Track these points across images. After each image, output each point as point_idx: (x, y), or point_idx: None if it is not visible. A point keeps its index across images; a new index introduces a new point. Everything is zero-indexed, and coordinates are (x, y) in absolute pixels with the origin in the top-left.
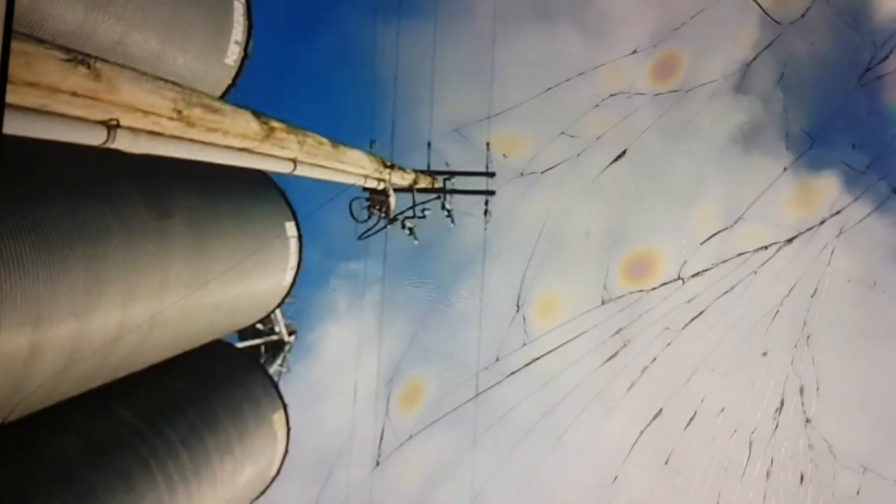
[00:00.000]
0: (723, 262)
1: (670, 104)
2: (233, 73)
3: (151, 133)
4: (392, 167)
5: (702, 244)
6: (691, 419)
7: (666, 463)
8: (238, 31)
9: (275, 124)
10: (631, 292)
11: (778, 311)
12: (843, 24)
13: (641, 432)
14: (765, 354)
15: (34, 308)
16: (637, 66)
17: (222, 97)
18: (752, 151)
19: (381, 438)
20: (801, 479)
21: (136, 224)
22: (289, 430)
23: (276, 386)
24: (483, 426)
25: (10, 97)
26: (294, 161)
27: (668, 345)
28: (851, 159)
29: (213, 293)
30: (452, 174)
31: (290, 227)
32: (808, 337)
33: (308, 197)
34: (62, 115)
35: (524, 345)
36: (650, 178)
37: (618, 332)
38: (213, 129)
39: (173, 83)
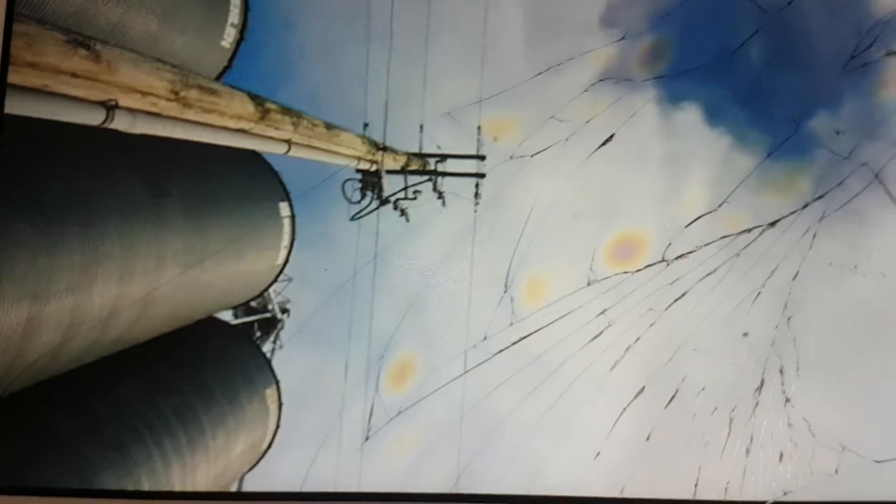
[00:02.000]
0: (706, 245)
1: (657, 89)
2: (229, 55)
3: (149, 113)
4: (384, 149)
5: (686, 227)
6: (673, 397)
7: (647, 439)
8: (234, 14)
9: (270, 106)
10: (616, 274)
11: (759, 293)
12: (828, 11)
13: (624, 410)
14: (746, 335)
15: (32, 283)
16: (625, 52)
17: (218, 78)
18: (736, 136)
19: (371, 414)
20: (781, 456)
21: (133, 202)
22: (281, 405)
23: (268, 362)
24: (470, 403)
25: (12, 77)
26: (289, 142)
27: (652, 325)
28: (835, 145)
29: (208, 271)
30: (444, 157)
31: (284, 208)
32: (788, 318)
33: (303, 178)
34: (62, 96)
35: (511, 324)
36: (637, 162)
37: (602, 312)
38: (209, 110)
39: (171, 65)
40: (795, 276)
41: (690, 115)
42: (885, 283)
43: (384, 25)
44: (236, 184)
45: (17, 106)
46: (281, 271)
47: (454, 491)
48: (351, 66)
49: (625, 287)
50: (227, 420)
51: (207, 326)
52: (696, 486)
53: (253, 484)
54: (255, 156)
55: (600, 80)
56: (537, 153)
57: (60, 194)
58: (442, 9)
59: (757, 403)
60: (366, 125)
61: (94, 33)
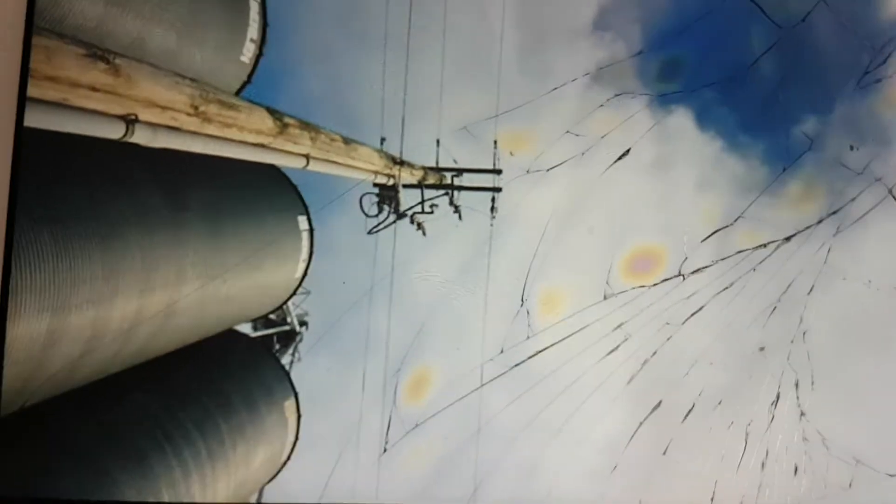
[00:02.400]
0: (723, 260)
1: (674, 104)
2: (248, 70)
3: (169, 128)
4: (401, 164)
5: (702, 242)
6: (689, 411)
7: (664, 453)
8: (253, 30)
9: (288, 120)
10: (633, 288)
11: (775, 308)
12: (842, 27)
13: (641, 423)
14: (762, 349)
15: (53, 296)
16: (642, 68)
17: (238, 93)
18: (752, 152)
19: (388, 426)
20: (795, 470)
21: (154, 216)
22: (299, 416)
23: (287, 374)
24: (487, 416)
25: (31, 91)
26: (307, 156)
27: (669, 339)
28: (849, 160)
29: (228, 284)
30: (460, 171)
31: (303, 221)
32: (804, 333)
33: (321, 192)
34: (82, 109)
35: (528, 338)
36: (653, 177)
37: (619, 326)
38: (229, 124)
39: (191, 79)
40: (811, 291)
41: (706, 131)
42: None
43: (400, 42)
44: (255, 198)
45: (36, 119)
46: (300, 284)
47: (471, 503)
48: (368, 82)
49: (641, 301)
50: (247, 432)
51: (227, 339)
52: (712, 499)
53: (272, 495)
54: (273, 170)
55: (616, 95)
56: (553, 167)
57: (82, 208)
58: (457, 23)
59: (773, 417)
60: (383, 140)
61: (113, 47)
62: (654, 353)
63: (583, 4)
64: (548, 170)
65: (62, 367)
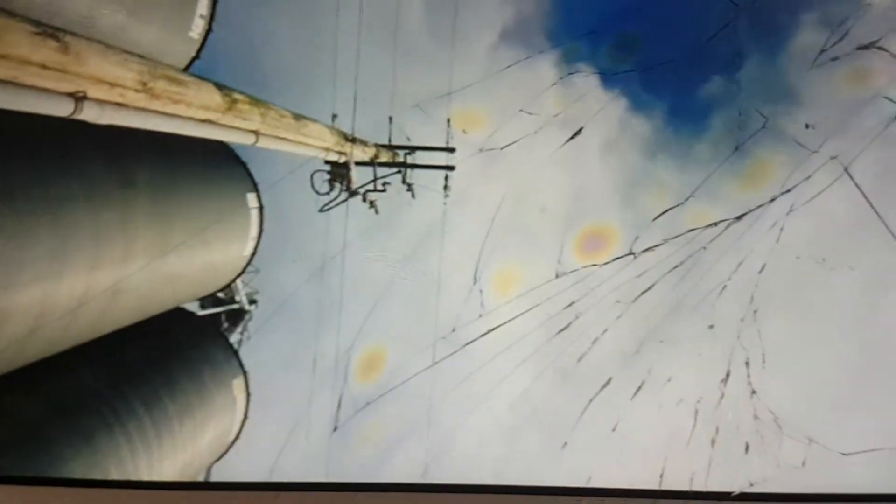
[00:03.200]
0: (673, 238)
1: (626, 83)
2: (197, 46)
3: (117, 104)
4: (354, 141)
5: (653, 221)
6: (639, 388)
7: (613, 430)
8: (203, 5)
9: (237, 96)
10: (584, 266)
11: (725, 286)
12: (798, 5)
13: (590, 400)
14: (711, 327)
15: (2, 274)
16: (595, 46)
17: (187, 69)
18: (705, 129)
19: (339, 405)
20: (747, 448)
21: (101, 193)
22: (248, 395)
23: (236, 353)
24: (440, 394)
25: None
26: (256, 133)
27: (619, 317)
28: (804, 139)
29: (176, 262)
30: (413, 149)
31: (252, 199)
32: (755, 311)
33: (271, 169)
34: (31, 87)
35: (480, 316)
36: (605, 155)
37: (570, 304)
38: (177, 100)
39: (139, 56)
40: (762, 270)
41: (655, 109)
42: (853, 277)
43: (354, 16)
44: (204, 175)
45: None
46: (249, 262)
47: (422, 481)
48: (319, 57)
49: (593, 280)
50: (195, 409)
51: (174, 317)
52: (661, 476)
53: (220, 474)
54: (222, 147)
55: (569, 74)
56: (507, 146)
57: (29, 185)
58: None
59: (722, 395)
60: (334, 116)
61: (63, 25)
62: (605, 331)
63: None
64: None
65: (10, 345)
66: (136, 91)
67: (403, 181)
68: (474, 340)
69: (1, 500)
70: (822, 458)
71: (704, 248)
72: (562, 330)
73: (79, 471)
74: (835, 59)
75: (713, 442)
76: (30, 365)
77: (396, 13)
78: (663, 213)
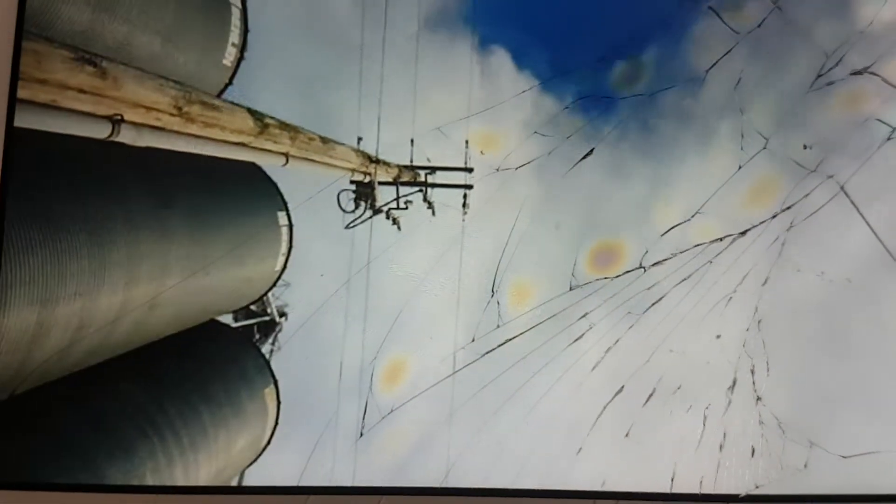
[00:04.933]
0: (681, 253)
1: (635, 107)
2: (230, 73)
3: (153, 128)
4: (377, 162)
5: (662, 236)
6: (650, 396)
7: (626, 436)
8: (235, 35)
9: (268, 121)
10: (597, 279)
11: (731, 298)
12: (796, 33)
13: (604, 407)
14: (718, 337)
15: (42, 288)
16: (604, 71)
17: (220, 95)
18: (709, 151)
19: (365, 412)
20: (752, 452)
21: (138, 213)
22: (279, 403)
23: (267, 363)
24: (460, 401)
25: (21, 93)
26: (286, 155)
27: (630, 328)
28: (803, 158)
29: (210, 277)
30: (433, 169)
31: (282, 217)
32: (759, 321)
33: (300, 189)
34: (70, 111)
35: (498, 327)
36: (615, 176)
37: (584, 316)
38: (211, 124)
39: (174, 81)
40: (765, 282)
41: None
42: (851, 289)
43: (377, 47)
44: (236, 195)
45: (26, 120)
46: (279, 277)
47: (443, 485)
48: (345, 84)
49: (605, 292)
50: (228, 418)
51: (209, 330)
52: (672, 480)
53: (253, 479)
54: (254, 168)
55: (581, 98)
56: (521, 166)
57: (69, 204)
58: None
59: (729, 402)
60: (359, 139)
61: (100, 51)
62: (617, 341)
63: None
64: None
65: (50, 357)
66: (172, 115)
67: (424, 199)
68: (493, 350)
69: None
70: (823, 461)
71: (710, 262)
72: (576, 340)
73: (115, 478)
74: (830, 83)
75: (721, 447)
76: (68, 376)
77: (416, 45)
78: (671, 228)
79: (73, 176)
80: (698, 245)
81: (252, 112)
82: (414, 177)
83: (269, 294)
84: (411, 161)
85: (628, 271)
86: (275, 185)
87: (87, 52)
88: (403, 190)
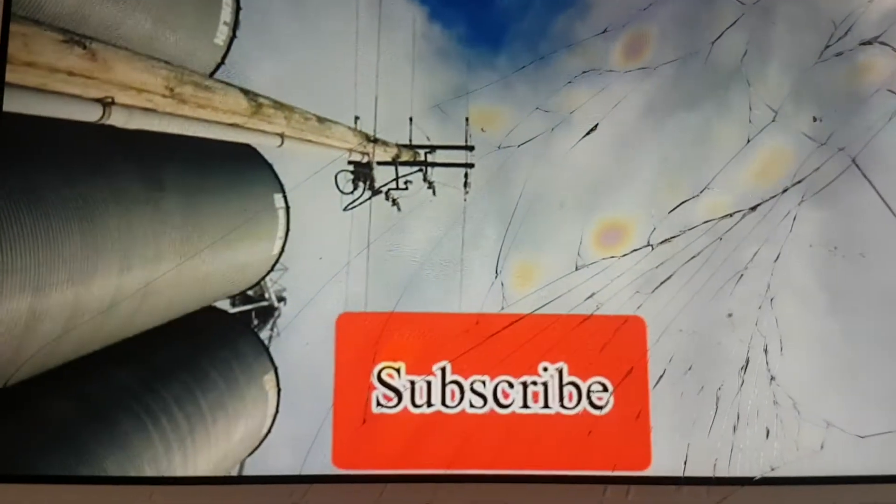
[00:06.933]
0: (690, 230)
1: (639, 80)
2: (222, 53)
3: (145, 109)
4: (375, 141)
5: (670, 213)
6: (660, 377)
7: (637, 418)
8: (226, 13)
9: (262, 100)
10: (603, 258)
11: (742, 275)
12: (803, 3)
13: (614, 390)
14: (730, 316)
15: (34, 276)
16: (607, 45)
17: (212, 75)
18: (717, 125)
19: (368, 398)
20: (767, 433)
21: (132, 196)
22: (279, 390)
23: (266, 349)
24: (466, 387)
25: (10, 76)
26: (281, 136)
27: (639, 307)
28: (812, 131)
29: (206, 262)
30: (433, 148)
31: (279, 199)
32: (771, 299)
33: (296, 170)
34: (59, 94)
35: (502, 309)
36: (621, 152)
37: (591, 296)
38: (203, 105)
39: (166, 62)
40: (777, 258)
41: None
42: (864, 263)
43: (372, 22)
44: (231, 177)
45: (15, 104)
46: (277, 261)
47: (451, 471)
48: (341, 61)
49: (612, 271)
50: (227, 406)
51: (206, 316)
52: (685, 462)
53: (253, 468)
54: (249, 149)
55: (583, 73)
56: (523, 143)
57: (60, 188)
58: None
59: (742, 382)
60: (357, 118)
61: (89, 32)
62: (626, 321)
63: None
64: None
65: (44, 346)
66: (164, 96)
67: (424, 179)
68: (497, 333)
69: (35, 501)
70: (840, 441)
71: (720, 238)
72: (582, 322)
73: (112, 469)
74: (839, 54)
75: (735, 428)
76: (63, 365)
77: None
78: (679, 205)
79: (64, 160)
80: (707, 221)
81: (245, 92)
82: (413, 156)
83: (267, 279)
84: (410, 140)
85: (636, 250)
86: (270, 166)
87: (75, 34)
88: (403, 170)
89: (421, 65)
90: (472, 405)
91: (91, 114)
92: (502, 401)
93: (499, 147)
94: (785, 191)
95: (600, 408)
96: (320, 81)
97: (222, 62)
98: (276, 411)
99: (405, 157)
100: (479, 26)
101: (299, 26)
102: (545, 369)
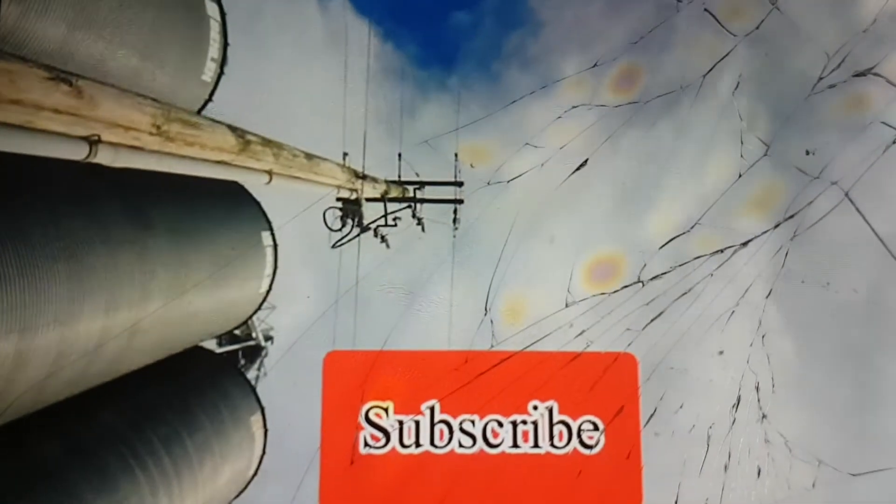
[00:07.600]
0: (681, 266)
1: (630, 115)
2: (209, 89)
3: (132, 147)
4: (364, 178)
5: (660, 248)
6: (651, 416)
7: (628, 458)
8: (214, 49)
9: (251, 137)
10: (593, 295)
11: (734, 312)
12: (795, 35)
13: (604, 428)
14: (721, 353)
15: (19, 317)
16: (597, 79)
17: (199, 112)
18: (708, 159)
19: (356, 439)
20: (759, 472)
21: (118, 235)
22: (266, 431)
23: (253, 389)
24: (455, 425)
25: None
26: (269, 173)
27: (630, 344)
28: (805, 165)
29: (193, 301)
30: (422, 184)
31: (266, 237)
32: (763, 336)
33: (284, 208)
34: (45, 132)
35: (492, 346)
36: (611, 186)
37: (581, 333)
38: (191, 143)
39: (153, 99)
40: (769, 295)
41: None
42: (857, 299)
43: (361, 56)
44: (219, 215)
45: (0, 142)
46: (264, 300)
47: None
48: (329, 98)
49: (602, 308)
50: (213, 447)
51: (193, 356)
52: (676, 501)
53: None
54: (237, 187)
55: (573, 107)
56: (513, 179)
57: (46, 228)
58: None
59: (734, 420)
60: (345, 155)
61: (76, 69)
62: (616, 359)
63: None
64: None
65: (30, 387)
66: (151, 134)
67: (413, 216)
68: (487, 371)
69: None
70: (832, 480)
71: (711, 274)
72: (573, 359)
73: None
74: (832, 86)
75: (726, 467)
76: (49, 407)
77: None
78: (670, 240)
79: (49, 200)
80: (699, 257)
81: (233, 129)
82: (402, 192)
83: (255, 317)
84: (399, 176)
85: (626, 286)
86: (258, 204)
87: (62, 71)
88: (392, 206)
89: (409, 104)
90: (461, 445)
91: (77, 152)
92: (492, 440)
93: (488, 182)
94: (777, 226)
95: (591, 447)
96: (308, 117)
97: (210, 98)
98: (263, 452)
99: (394, 193)
100: (455, 67)
101: (287, 63)
102: (535, 408)
